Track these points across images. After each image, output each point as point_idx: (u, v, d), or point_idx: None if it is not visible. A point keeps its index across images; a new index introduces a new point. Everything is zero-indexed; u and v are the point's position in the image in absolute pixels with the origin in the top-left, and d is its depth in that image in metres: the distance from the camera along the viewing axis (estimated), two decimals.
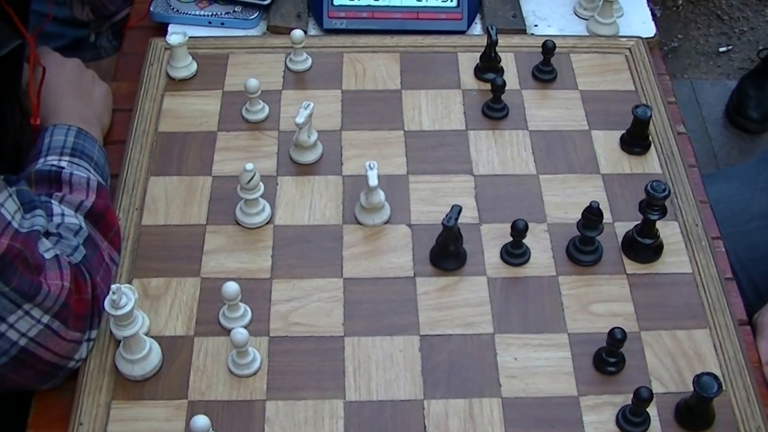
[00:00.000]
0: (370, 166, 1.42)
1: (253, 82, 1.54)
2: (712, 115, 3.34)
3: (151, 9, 1.78)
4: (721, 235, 1.51)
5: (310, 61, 1.69)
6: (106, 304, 1.20)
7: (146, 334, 1.30)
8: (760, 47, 3.50)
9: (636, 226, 1.42)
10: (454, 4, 1.77)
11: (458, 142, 1.58)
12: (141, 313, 1.30)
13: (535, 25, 1.83)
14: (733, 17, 3.73)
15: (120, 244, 1.40)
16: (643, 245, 1.41)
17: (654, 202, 1.37)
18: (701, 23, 3.71)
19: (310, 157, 1.53)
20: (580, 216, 1.40)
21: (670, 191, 1.37)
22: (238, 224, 1.45)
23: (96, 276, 1.29)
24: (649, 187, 1.37)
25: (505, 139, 1.59)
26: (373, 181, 1.41)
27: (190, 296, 1.36)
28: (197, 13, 1.77)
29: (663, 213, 1.39)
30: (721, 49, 3.62)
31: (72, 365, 1.27)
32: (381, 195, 1.44)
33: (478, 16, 1.83)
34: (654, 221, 1.39)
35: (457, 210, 1.36)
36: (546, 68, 1.69)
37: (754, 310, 1.70)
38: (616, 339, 1.25)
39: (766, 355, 1.38)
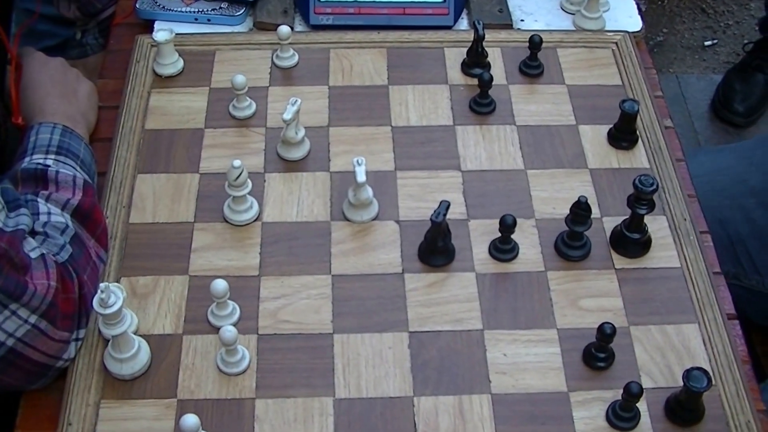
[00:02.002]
0: (358, 162, 1.41)
1: (240, 79, 1.54)
2: (698, 109, 3.35)
3: (137, 6, 1.77)
4: (702, 209, 1.52)
5: (296, 58, 1.69)
6: (95, 302, 1.19)
7: (135, 333, 1.29)
8: (745, 41, 3.50)
9: (624, 220, 1.42)
10: None
11: (446, 138, 1.58)
12: (129, 311, 1.29)
13: (522, 20, 1.83)
14: (717, 11, 3.73)
15: (107, 242, 1.40)
16: (631, 240, 1.41)
17: (642, 197, 1.37)
18: (686, 17, 3.71)
19: (297, 153, 1.53)
20: (568, 211, 1.40)
21: (658, 185, 1.37)
22: (226, 222, 1.44)
23: (83, 275, 1.29)
24: (637, 182, 1.37)
25: (492, 135, 1.59)
26: (361, 177, 1.41)
27: (179, 294, 1.36)
28: (183, 9, 1.76)
29: (651, 207, 1.39)
30: (707, 43, 3.62)
31: (61, 365, 1.26)
32: (369, 191, 1.44)
33: (465, 11, 1.83)
34: (642, 216, 1.39)
35: (445, 206, 1.35)
36: (533, 63, 1.69)
37: (752, 283, 1.71)
38: (605, 334, 1.25)
39: None
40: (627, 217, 1.41)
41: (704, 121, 3.32)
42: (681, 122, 3.25)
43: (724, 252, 1.49)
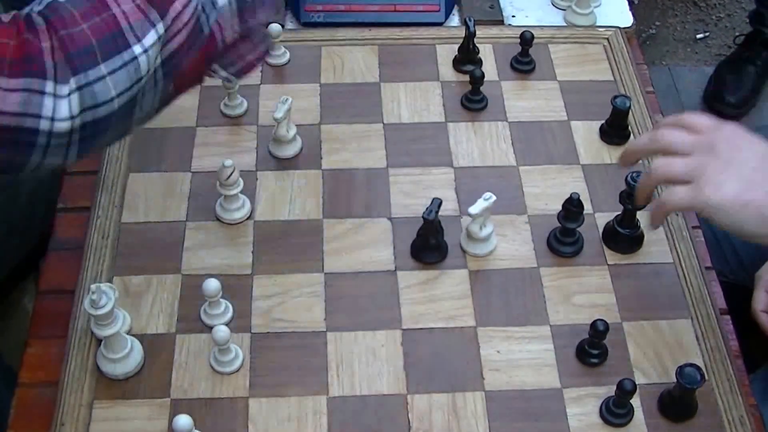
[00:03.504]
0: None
1: None
2: (691, 101, 3.35)
3: None
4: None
5: (288, 55, 1.68)
6: (86, 303, 1.19)
7: (128, 333, 1.29)
8: (737, 33, 3.51)
9: (617, 216, 1.42)
10: None
11: (438, 135, 1.58)
12: (122, 311, 1.29)
13: (513, 16, 1.83)
14: (709, 4, 3.74)
15: None
16: (623, 236, 1.42)
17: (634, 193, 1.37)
18: (678, 10, 3.71)
19: (289, 151, 1.53)
20: (560, 207, 1.40)
21: None
22: (219, 220, 1.44)
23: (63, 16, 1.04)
24: (629, 178, 1.37)
25: (484, 131, 1.59)
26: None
27: (171, 293, 1.36)
28: None
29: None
30: (699, 36, 3.63)
31: (47, 127, 1.01)
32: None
33: (456, 7, 1.83)
34: (634, 212, 1.40)
35: (437, 203, 1.35)
36: (524, 59, 1.69)
37: (738, 278, 1.71)
38: (598, 330, 1.25)
39: (763, 303, 1.39)
40: (619, 213, 1.42)
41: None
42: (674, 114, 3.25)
43: (711, 250, 1.49)
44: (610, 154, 1.55)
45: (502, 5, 1.83)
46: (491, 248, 1.42)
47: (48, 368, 1.30)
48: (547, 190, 1.50)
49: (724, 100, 3.27)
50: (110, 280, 1.37)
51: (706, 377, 1.25)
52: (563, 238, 1.42)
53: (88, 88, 1.03)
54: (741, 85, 3.27)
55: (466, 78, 1.63)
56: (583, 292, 1.38)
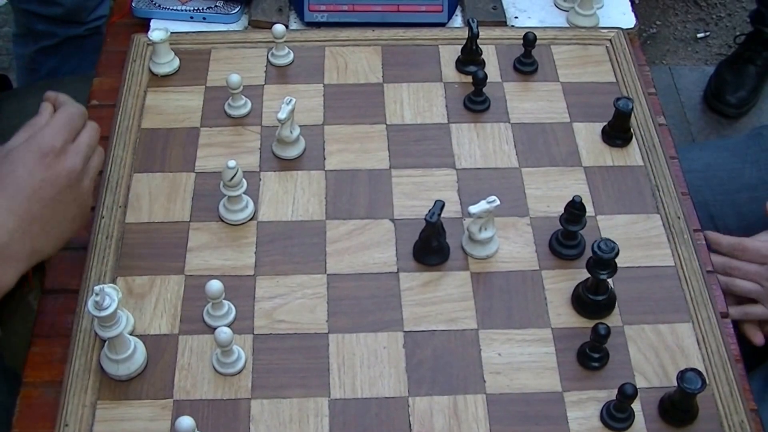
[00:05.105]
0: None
1: (235, 78, 1.54)
2: (691, 100, 3.36)
3: (133, 4, 1.77)
4: (694, 203, 1.54)
5: (291, 56, 1.69)
6: (89, 305, 1.19)
7: (131, 333, 1.30)
8: (737, 33, 3.52)
9: (586, 281, 1.37)
10: None
11: (440, 136, 1.58)
12: (125, 312, 1.29)
13: (516, 17, 1.83)
14: (710, 3, 3.74)
15: None
16: (593, 301, 1.36)
17: (602, 263, 1.31)
18: (679, 9, 3.72)
19: (292, 152, 1.53)
20: (562, 210, 1.40)
21: (618, 251, 1.30)
22: (222, 221, 1.45)
23: None
24: (595, 247, 1.30)
25: (486, 132, 1.59)
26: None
27: (175, 294, 1.36)
28: (179, 8, 1.76)
29: (613, 271, 1.32)
30: (699, 35, 3.63)
31: None
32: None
33: (459, 8, 1.83)
34: (604, 279, 1.34)
35: (439, 206, 1.36)
36: (527, 60, 1.69)
37: None
38: (599, 335, 1.25)
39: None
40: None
41: (696, 112, 3.34)
42: (674, 113, 3.27)
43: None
44: (612, 156, 1.56)
45: (505, 6, 1.83)
46: (492, 251, 1.42)
47: (52, 368, 1.31)
48: (549, 192, 1.51)
49: (724, 99, 3.28)
50: (114, 281, 1.37)
51: (707, 382, 1.25)
52: (565, 240, 1.42)
53: None
54: (741, 84, 3.28)
55: (469, 79, 1.63)
56: None
